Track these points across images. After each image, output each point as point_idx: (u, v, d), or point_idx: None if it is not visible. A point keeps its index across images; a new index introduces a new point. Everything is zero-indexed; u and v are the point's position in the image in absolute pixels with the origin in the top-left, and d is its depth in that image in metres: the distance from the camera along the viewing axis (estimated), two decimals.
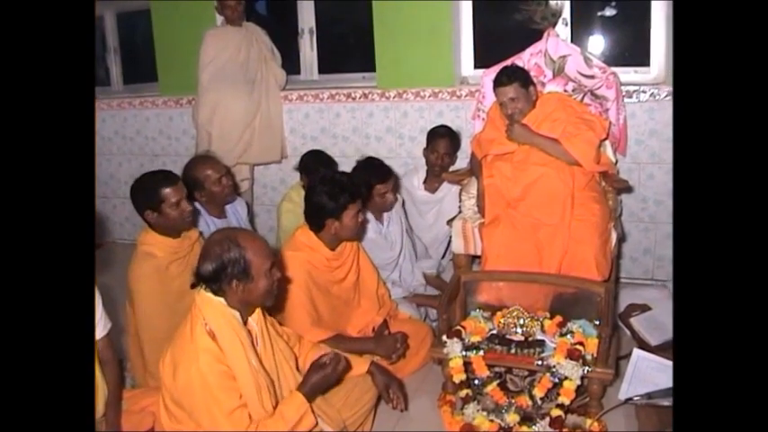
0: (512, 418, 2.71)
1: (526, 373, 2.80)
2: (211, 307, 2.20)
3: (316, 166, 3.97)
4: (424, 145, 4.17)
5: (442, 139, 4.09)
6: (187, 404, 2.16)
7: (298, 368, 2.53)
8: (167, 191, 2.88)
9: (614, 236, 3.30)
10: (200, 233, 3.19)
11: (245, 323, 2.29)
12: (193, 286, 2.24)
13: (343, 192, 2.95)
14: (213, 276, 2.18)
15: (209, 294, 2.22)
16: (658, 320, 3.30)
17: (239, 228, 2.48)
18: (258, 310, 2.36)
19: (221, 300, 2.21)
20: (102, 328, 2.51)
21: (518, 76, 3.34)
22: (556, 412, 2.65)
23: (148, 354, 2.93)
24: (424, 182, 4.24)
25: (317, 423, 2.36)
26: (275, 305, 2.85)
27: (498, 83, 3.35)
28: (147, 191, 2.89)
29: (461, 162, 4.23)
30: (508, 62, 3.69)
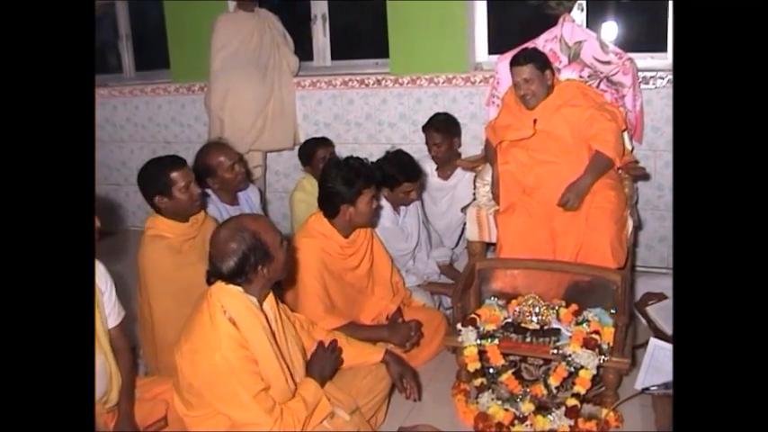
0: (527, 407, 2.70)
1: (541, 361, 2.78)
2: (229, 295, 2.19)
3: (313, 149, 4.00)
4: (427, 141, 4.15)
5: (432, 131, 4.09)
6: (209, 391, 2.15)
7: (305, 352, 2.55)
8: (176, 174, 2.87)
9: (630, 223, 3.27)
10: (206, 214, 3.17)
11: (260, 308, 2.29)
12: (211, 283, 2.23)
13: (358, 177, 2.93)
14: (238, 270, 2.17)
15: (225, 284, 2.21)
16: None
17: (239, 215, 2.46)
18: (271, 295, 2.35)
19: (238, 288, 2.21)
20: (115, 316, 2.51)
21: (534, 58, 3.30)
22: (571, 402, 2.64)
23: (160, 337, 2.93)
24: (437, 169, 4.21)
25: (331, 409, 2.37)
26: (285, 286, 2.86)
27: (514, 62, 3.32)
28: (155, 176, 2.88)
29: (476, 149, 4.20)
30: (519, 48, 3.65)
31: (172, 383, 2.49)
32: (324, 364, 2.46)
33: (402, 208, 3.72)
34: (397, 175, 3.51)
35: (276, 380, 2.23)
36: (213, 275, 2.22)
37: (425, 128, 4.12)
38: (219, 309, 2.17)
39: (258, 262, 2.18)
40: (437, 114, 4.19)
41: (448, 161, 4.12)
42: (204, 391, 2.16)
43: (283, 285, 2.86)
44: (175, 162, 2.94)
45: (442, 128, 4.09)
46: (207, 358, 2.12)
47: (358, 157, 3.06)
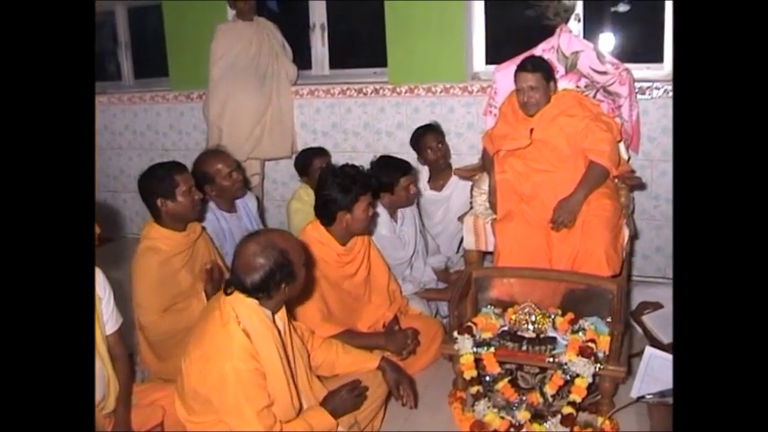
0: (523, 415, 2.71)
1: (537, 370, 2.78)
2: (245, 307, 2.20)
3: (310, 159, 4.01)
4: (421, 147, 4.16)
5: (428, 134, 4.13)
6: (216, 400, 2.15)
7: (309, 364, 2.55)
8: (180, 177, 2.91)
9: (626, 232, 3.28)
10: (203, 228, 3.20)
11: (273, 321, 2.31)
12: (228, 293, 2.23)
13: (354, 184, 2.95)
14: (262, 286, 2.18)
15: (241, 295, 2.21)
16: (671, 318, 3.26)
17: (269, 230, 2.46)
18: (282, 308, 2.37)
19: (254, 300, 2.22)
20: (113, 323, 2.52)
21: (543, 67, 3.33)
22: (567, 410, 2.64)
23: (159, 349, 2.96)
24: (429, 181, 4.23)
25: None
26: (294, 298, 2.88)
27: (522, 68, 3.33)
28: (160, 178, 2.90)
29: (473, 158, 4.22)
30: (520, 58, 3.67)
31: (168, 390, 2.51)
32: (341, 404, 2.43)
33: (399, 215, 3.73)
34: (392, 173, 3.56)
35: (282, 395, 2.24)
36: (233, 286, 2.22)
37: (419, 136, 4.14)
38: (234, 318, 2.18)
39: (282, 280, 2.20)
40: (418, 128, 4.22)
41: (442, 170, 4.15)
42: (212, 397, 2.16)
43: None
44: (179, 166, 2.99)
45: (439, 130, 4.17)
46: (217, 367, 2.12)
47: (354, 165, 3.07)
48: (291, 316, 2.61)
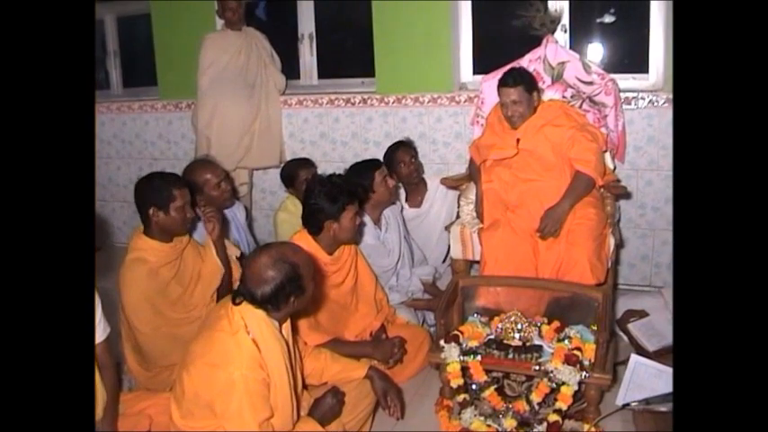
0: (509, 423, 2.71)
1: (524, 378, 2.79)
2: (255, 317, 2.22)
3: (295, 170, 4.01)
4: (394, 162, 4.14)
5: (400, 149, 4.15)
6: (220, 406, 2.16)
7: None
8: (177, 192, 2.89)
9: (612, 241, 3.30)
10: (190, 237, 3.19)
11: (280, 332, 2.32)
12: (236, 303, 2.24)
13: (341, 193, 2.96)
14: (271, 298, 2.20)
15: (250, 305, 2.23)
16: (656, 326, 3.30)
17: (280, 243, 2.47)
18: (288, 320, 2.39)
19: (262, 311, 2.23)
20: (101, 332, 2.51)
21: (524, 80, 3.34)
22: (553, 417, 2.65)
23: (148, 362, 2.97)
24: (407, 199, 4.26)
25: None
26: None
27: (503, 83, 3.35)
28: (158, 188, 2.88)
29: (460, 168, 4.24)
30: (506, 68, 3.69)
31: (155, 399, 2.51)
32: (329, 411, 2.47)
33: (383, 222, 3.74)
34: (366, 173, 3.57)
35: (284, 406, 2.25)
36: (243, 297, 2.23)
37: (392, 152, 4.15)
38: (243, 328, 2.19)
39: (292, 293, 2.22)
40: (391, 145, 4.24)
41: (415, 185, 4.19)
42: (216, 403, 2.16)
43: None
44: (179, 180, 2.98)
45: (411, 146, 4.19)
46: (226, 373, 2.13)
47: (341, 175, 3.10)
48: (296, 328, 2.63)
